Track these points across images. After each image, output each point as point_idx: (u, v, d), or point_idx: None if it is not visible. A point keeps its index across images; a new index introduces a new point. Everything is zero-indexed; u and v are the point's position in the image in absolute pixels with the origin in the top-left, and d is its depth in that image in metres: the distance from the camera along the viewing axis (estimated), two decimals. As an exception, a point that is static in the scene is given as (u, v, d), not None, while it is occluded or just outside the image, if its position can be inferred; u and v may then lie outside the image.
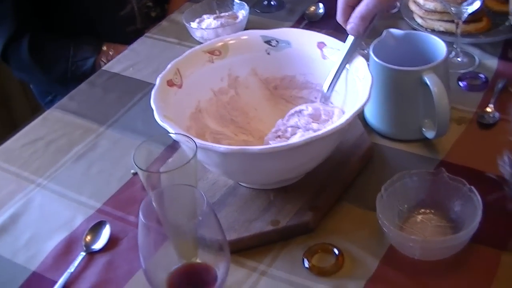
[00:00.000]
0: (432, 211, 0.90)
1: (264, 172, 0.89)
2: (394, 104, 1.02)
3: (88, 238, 0.94)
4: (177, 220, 0.74)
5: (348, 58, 0.95)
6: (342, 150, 0.98)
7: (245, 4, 1.39)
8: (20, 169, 1.09)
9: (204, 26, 1.35)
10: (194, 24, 1.36)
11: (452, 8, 1.12)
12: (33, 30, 1.55)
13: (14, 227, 0.98)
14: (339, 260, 0.86)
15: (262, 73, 1.05)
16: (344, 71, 0.96)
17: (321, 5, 1.41)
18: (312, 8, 1.42)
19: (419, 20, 1.28)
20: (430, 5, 1.24)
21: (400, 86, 1.00)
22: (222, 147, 0.83)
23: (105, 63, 1.51)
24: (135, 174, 1.04)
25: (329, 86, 0.97)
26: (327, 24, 1.34)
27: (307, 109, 0.96)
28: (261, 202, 0.93)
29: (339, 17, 0.96)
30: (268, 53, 1.04)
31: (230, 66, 1.04)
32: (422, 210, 0.90)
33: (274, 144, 0.91)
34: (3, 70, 2.02)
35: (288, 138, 0.95)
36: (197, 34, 1.35)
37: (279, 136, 0.96)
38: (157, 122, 0.89)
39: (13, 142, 1.16)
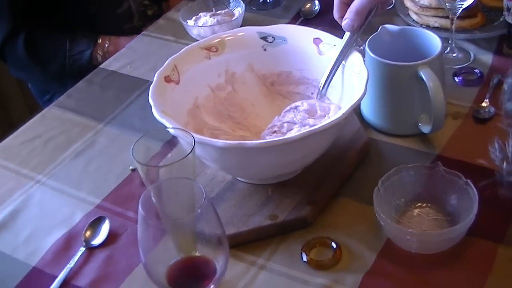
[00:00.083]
0: (429, 205, 0.91)
1: (262, 167, 0.89)
2: (390, 99, 1.03)
3: (88, 233, 0.95)
4: (175, 214, 0.74)
5: (343, 54, 0.96)
6: (339, 145, 0.99)
7: (241, 2, 1.40)
8: (19, 166, 1.10)
9: (201, 23, 1.36)
10: (190, 22, 1.37)
11: (446, 4, 1.13)
12: (29, 27, 1.55)
13: (14, 224, 0.99)
14: (337, 253, 0.87)
15: (259, 69, 1.06)
16: (340, 67, 0.97)
17: (316, 2, 1.42)
18: (308, 5, 1.43)
19: (414, 16, 1.29)
20: (425, 1, 1.25)
21: (396, 81, 1.01)
22: (220, 142, 0.84)
23: (101, 56, 1.52)
24: (134, 170, 1.05)
25: (325, 83, 0.98)
26: (323, 21, 1.35)
27: (303, 105, 0.97)
28: (259, 197, 0.94)
29: (335, 14, 0.97)
30: (265, 49, 1.05)
31: (227, 62, 1.04)
32: (419, 204, 0.91)
33: (271, 138, 0.92)
34: (0, 69, 2.02)
35: (284, 134, 0.95)
36: (194, 32, 1.36)
37: (275, 132, 0.97)
38: (155, 119, 0.89)
39: (12, 139, 1.16)
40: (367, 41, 1.03)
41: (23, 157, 1.12)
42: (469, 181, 0.86)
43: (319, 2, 1.42)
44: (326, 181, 0.95)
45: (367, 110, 1.07)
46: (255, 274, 0.87)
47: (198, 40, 1.07)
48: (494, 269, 0.82)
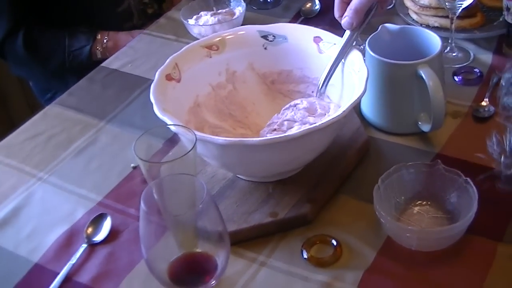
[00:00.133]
0: (429, 203, 0.91)
1: (263, 164, 0.90)
2: (390, 98, 1.04)
3: (89, 230, 0.95)
4: (177, 210, 0.75)
5: (343, 53, 0.96)
6: (339, 143, 1.00)
7: (242, 1, 1.40)
8: (21, 164, 1.10)
9: (202, 22, 1.36)
10: (191, 21, 1.38)
11: (446, 3, 1.14)
12: (28, 25, 1.55)
13: (16, 220, 0.99)
14: (337, 251, 0.88)
15: (259, 67, 1.06)
16: (340, 65, 0.97)
17: (317, 1, 1.43)
18: (308, 5, 1.44)
19: (414, 16, 1.30)
20: (425, 1, 1.26)
21: (395, 80, 1.01)
22: (221, 139, 0.84)
23: (101, 52, 1.53)
24: (135, 168, 1.06)
25: (324, 81, 0.99)
26: (323, 20, 1.36)
27: (302, 103, 0.98)
28: (260, 194, 0.95)
29: (335, 12, 0.98)
30: (265, 48, 1.05)
31: (228, 61, 1.05)
32: (419, 202, 0.91)
33: (272, 135, 0.92)
34: (1, 68, 2.03)
35: (284, 132, 0.96)
36: (195, 31, 1.36)
37: (275, 130, 0.97)
38: (156, 117, 0.90)
39: (13, 137, 1.17)
40: (367, 40, 1.04)
41: (25, 154, 1.12)
42: (468, 179, 0.87)
43: (319, 1, 1.43)
44: (326, 179, 0.96)
45: (367, 109, 1.08)
46: (256, 271, 0.87)
47: (198, 39, 1.07)
48: (493, 266, 0.83)
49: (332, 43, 0.99)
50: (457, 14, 1.16)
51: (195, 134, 0.79)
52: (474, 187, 0.86)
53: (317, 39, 1.02)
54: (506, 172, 0.56)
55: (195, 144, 0.78)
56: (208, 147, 0.87)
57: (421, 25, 1.27)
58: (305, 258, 0.87)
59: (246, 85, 1.06)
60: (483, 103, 1.08)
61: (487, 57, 1.20)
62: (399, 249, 0.87)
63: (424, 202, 0.91)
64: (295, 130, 0.94)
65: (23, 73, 1.76)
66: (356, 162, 1.00)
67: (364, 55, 0.98)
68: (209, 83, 1.04)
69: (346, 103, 0.88)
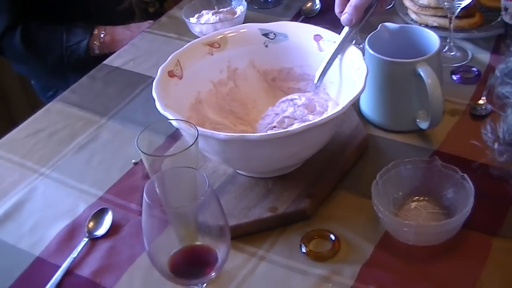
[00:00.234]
0: (426, 199, 0.92)
1: (263, 160, 0.91)
2: (389, 95, 1.05)
3: (91, 224, 0.96)
4: (178, 203, 0.76)
5: (340, 49, 0.98)
6: (338, 140, 1.01)
7: (243, 0, 1.41)
8: (24, 159, 1.11)
9: (203, 21, 1.38)
10: (193, 20, 1.39)
11: (445, 3, 1.15)
12: (26, 21, 1.57)
13: (18, 215, 1.01)
14: (336, 245, 0.89)
15: (260, 65, 1.08)
16: (339, 62, 0.99)
17: (317, 1, 1.44)
18: (309, 4, 1.45)
19: (413, 16, 1.31)
20: (424, 1, 1.27)
21: (394, 78, 1.03)
22: (222, 134, 0.85)
23: (98, 46, 1.54)
24: (136, 164, 1.07)
25: (320, 76, 1.00)
26: (323, 19, 1.37)
27: (300, 99, 0.99)
28: (260, 189, 0.96)
29: (336, 9, 1.00)
30: (266, 46, 1.06)
31: (229, 59, 1.06)
32: (416, 198, 0.93)
33: (272, 131, 0.93)
34: (1, 66, 2.04)
35: (284, 129, 0.97)
36: (196, 29, 1.37)
37: (275, 127, 0.98)
38: (157, 114, 0.91)
39: (16, 133, 1.18)
40: (367, 39, 1.05)
41: (27, 150, 1.14)
42: (465, 175, 0.88)
43: (319, 1, 1.44)
44: (326, 175, 0.97)
45: (366, 107, 1.09)
46: (255, 265, 0.88)
47: (200, 37, 1.09)
48: (489, 260, 0.84)
49: (332, 41, 1.01)
50: (455, 14, 1.17)
51: (197, 129, 0.81)
52: (471, 183, 0.87)
53: (317, 37, 1.03)
54: (499, 159, 0.58)
55: (197, 138, 0.79)
56: (209, 142, 0.88)
57: (420, 24, 1.28)
58: (304, 253, 0.88)
59: (247, 82, 1.08)
60: (481, 102, 1.09)
61: (485, 57, 1.21)
62: (396, 243, 0.88)
63: (422, 198, 0.92)
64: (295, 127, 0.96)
65: (24, 70, 1.77)
66: (355, 159, 1.01)
67: (363, 53, 1.00)
68: (211, 80, 1.05)
69: (345, 100, 0.89)
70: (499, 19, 1.26)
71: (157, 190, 0.74)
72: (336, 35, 1.00)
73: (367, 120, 1.09)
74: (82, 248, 0.93)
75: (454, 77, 1.17)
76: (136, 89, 1.26)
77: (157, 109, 0.91)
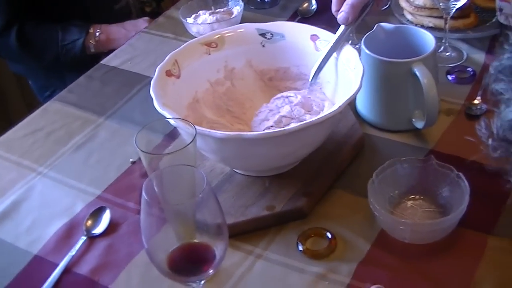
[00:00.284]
0: (422, 197, 0.93)
1: (260, 158, 0.92)
2: (385, 95, 1.06)
3: (89, 223, 0.97)
4: (177, 201, 0.76)
5: (336, 47, 0.99)
6: (334, 139, 1.02)
7: (240, 0, 1.42)
8: (21, 158, 1.12)
9: (200, 21, 1.38)
10: (190, 20, 1.40)
11: (440, 4, 1.16)
12: (22, 20, 1.57)
13: (16, 213, 1.01)
14: (332, 243, 0.90)
15: (257, 65, 1.08)
16: (336, 62, 0.99)
17: (313, 1, 1.45)
18: (305, 5, 1.46)
19: (409, 17, 1.32)
20: (420, 1, 1.28)
21: (390, 78, 1.03)
22: (219, 133, 0.86)
23: (94, 45, 1.54)
24: (134, 163, 1.07)
25: (315, 73, 1.01)
26: (320, 20, 1.37)
27: (296, 96, 0.99)
28: (257, 188, 0.96)
29: (332, 7, 1.01)
30: (263, 46, 1.07)
31: (226, 58, 1.07)
32: (412, 196, 0.93)
33: (269, 130, 0.94)
34: (-1, 66, 2.05)
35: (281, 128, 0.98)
36: (193, 29, 1.38)
37: (272, 127, 0.99)
38: (154, 113, 0.92)
39: (13, 132, 1.18)
40: (363, 39, 1.06)
41: (25, 149, 1.14)
42: (461, 174, 0.89)
43: (316, 1, 1.45)
44: (322, 174, 0.98)
45: (362, 106, 1.10)
46: (252, 263, 0.89)
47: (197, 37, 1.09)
48: (484, 259, 0.85)
49: (329, 41, 1.01)
50: (451, 15, 1.18)
51: (195, 128, 0.81)
52: (466, 182, 0.88)
53: (314, 37, 1.04)
54: (493, 155, 0.59)
55: (195, 137, 0.80)
56: (207, 141, 0.89)
57: (416, 25, 1.29)
58: (300, 251, 0.89)
59: (244, 82, 1.08)
60: (476, 101, 1.10)
61: (480, 57, 1.22)
62: (392, 241, 0.88)
63: (417, 197, 0.93)
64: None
65: (21, 69, 1.78)
66: (351, 158, 1.02)
67: (360, 54, 1.00)
68: (208, 80, 1.06)
69: (341, 100, 0.90)
70: (494, 20, 1.27)
71: (156, 188, 0.74)
72: (333, 35, 1.01)
73: (363, 120, 1.10)
74: (80, 246, 0.94)
75: (450, 77, 1.18)
76: (133, 88, 1.26)
77: (154, 109, 0.92)
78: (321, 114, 0.95)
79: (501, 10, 1.19)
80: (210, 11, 1.42)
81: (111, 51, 1.41)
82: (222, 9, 1.43)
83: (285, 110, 0.98)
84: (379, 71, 1.03)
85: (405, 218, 0.90)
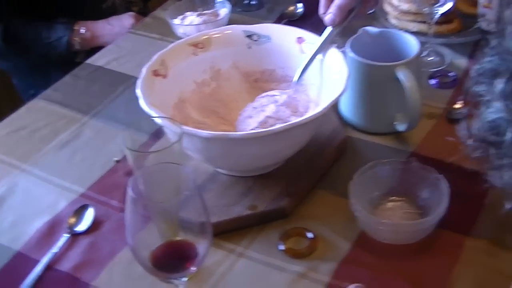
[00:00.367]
0: (402, 199, 0.94)
1: (245, 158, 0.93)
2: (368, 98, 1.07)
3: (72, 220, 0.97)
4: (162, 199, 0.77)
5: (321, 49, 1.00)
6: (318, 141, 1.03)
7: (227, 2, 1.43)
8: (4, 155, 1.12)
9: (187, 23, 1.39)
10: (177, 21, 1.40)
11: (425, 9, 1.18)
12: (7, 19, 1.57)
13: (-1, 210, 1.01)
14: (313, 243, 0.91)
15: (243, 66, 1.09)
16: (321, 64, 1.00)
17: (299, 4, 1.46)
18: (291, 8, 1.47)
19: (393, 21, 1.34)
20: (405, 6, 1.30)
21: (374, 81, 1.05)
22: (205, 132, 0.87)
23: (79, 42, 1.55)
24: (118, 161, 1.08)
25: (300, 75, 1.02)
26: (306, 23, 1.38)
27: (281, 96, 1.00)
28: (240, 188, 0.97)
29: (320, 10, 1.02)
30: (250, 47, 1.08)
31: (213, 59, 1.08)
32: (393, 198, 0.95)
33: (254, 130, 0.95)
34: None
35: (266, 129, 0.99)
36: (180, 31, 1.39)
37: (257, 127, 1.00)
38: (140, 112, 0.92)
39: (-3, 130, 1.19)
40: (348, 43, 1.07)
41: (9, 147, 1.14)
42: (441, 176, 0.90)
43: (302, 4, 1.46)
44: (305, 175, 0.99)
45: (345, 109, 1.11)
46: (234, 261, 0.90)
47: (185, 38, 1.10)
48: (461, 259, 0.87)
49: (314, 43, 1.02)
50: (435, 20, 1.20)
51: (181, 127, 0.82)
52: (446, 184, 0.89)
53: (300, 40, 1.05)
54: (472, 155, 0.60)
55: (181, 136, 0.81)
56: (192, 140, 0.90)
57: (400, 29, 1.30)
58: (282, 250, 0.90)
59: (229, 83, 1.09)
60: (457, 106, 1.12)
61: (462, 62, 1.24)
62: (372, 242, 0.90)
63: (398, 198, 0.94)
64: (277, 127, 0.97)
65: (5, 67, 1.78)
66: (334, 159, 1.03)
67: (345, 57, 1.02)
68: (194, 80, 1.07)
69: (326, 101, 0.91)
70: (476, 26, 1.29)
71: (141, 186, 0.75)
72: (319, 38, 1.02)
73: (346, 122, 1.11)
74: (63, 243, 0.94)
75: (432, 82, 1.20)
76: (118, 88, 1.27)
77: (139, 108, 0.92)
78: (306, 116, 0.97)
79: (483, 16, 1.21)
80: (197, 12, 1.42)
81: (96, 48, 1.41)
82: (209, 11, 1.43)
83: (270, 109, 0.99)
84: (363, 74, 1.05)
85: (385, 219, 0.91)
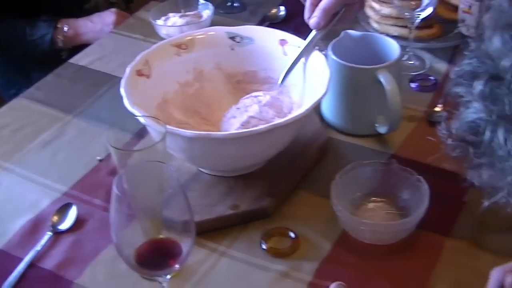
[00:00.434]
0: (383, 200, 0.96)
1: (227, 158, 0.94)
2: (350, 100, 1.08)
3: (55, 218, 0.97)
4: (145, 197, 0.77)
5: (305, 52, 1.01)
6: (300, 142, 1.04)
7: (210, 4, 1.44)
8: (-14, 154, 1.12)
9: (170, 24, 1.40)
10: (160, 22, 1.41)
11: (406, 13, 1.20)
12: None
13: (-20, 208, 1.01)
14: (295, 243, 0.92)
15: (226, 67, 1.10)
16: (303, 66, 1.02)
17: (282, 7, 1.47)
18: (274, 11, 1.48)
19: (375, 25, 1.36)
20: (386, 11, 1.31)
21: (355, 84, 1.06)
22: (188, 132, 0.88)
23: (62, 40, 1.55)
24: (101, 160, 1.08)
25: (284, 77, 1.03)
26: (288, 26, 1.39)
27: (265, 97, 1.02)
28: (222, 188, 0.98)
29: (305, 14, 1.03)
30: (232, 49, 1.09)
31: (196, 60, 1.08)
32: (374, 199, 0.96)
33: (237, 130, 0.96)
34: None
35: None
36: (163, 31, 1.39)
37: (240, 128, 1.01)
38: (123, 112, 0.92)
39: (-21, 129, 1.18)
40: (330, 45, 1.09)
41: (-9, 146, 1.14)
42: (421, 178, 0.92)
43: (284, 7, 1.47)
44: (287, 175, 1.00)
45: (327, 111, 1.12)
46: (216, 260, 0.91)
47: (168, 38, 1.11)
48: (441, 259, 0.88)
49: (297, 46, 1.04)
50: (415, 25, 1.22)
51: (165, 126, 0.83)
52: (426, 186, 0.91)
53: (282, 42, 1.06)
54: (452, 154, 0.62)
55: (165, 135, 0.81)
56: (176, 140, 0.90)
57: (381, 33, 1.32)
58: (264, 249, 0.91)
59: (212, 84, 1.10)
60: (437, 109, 1.13)
61: (442, 66, 1.26)
62: (354, 242, 0.91)
63: (379, 199, 0.96)
64: (260, 127, 0.98)
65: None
66: (316, 161, 1.05)
67: (326, 59, 1.03)
68: (177, 81, 1.08)
69: (308, 103, 0.92)
70: (456, 31, 1.31)
71: (125, 184, 0.75)
72: (301, 40, 1.04)
73: (328, 124, 1.12)
74: (46, 242, 0.94)
75: (413, 85, 1.21)
76: (101, 88, 1.27)
77: (122, 108, 0.93)
78: (288, 117, 0.98)
79: (463, 21, 1.23)
80: (180, 13, 1.43)
81: (79, 45, 1.41)
82: (191, 12, 1.44)
83: (254, 109, 1.00)
84: (345, 77, 1.06)
85: (366, 219, 0.93)
